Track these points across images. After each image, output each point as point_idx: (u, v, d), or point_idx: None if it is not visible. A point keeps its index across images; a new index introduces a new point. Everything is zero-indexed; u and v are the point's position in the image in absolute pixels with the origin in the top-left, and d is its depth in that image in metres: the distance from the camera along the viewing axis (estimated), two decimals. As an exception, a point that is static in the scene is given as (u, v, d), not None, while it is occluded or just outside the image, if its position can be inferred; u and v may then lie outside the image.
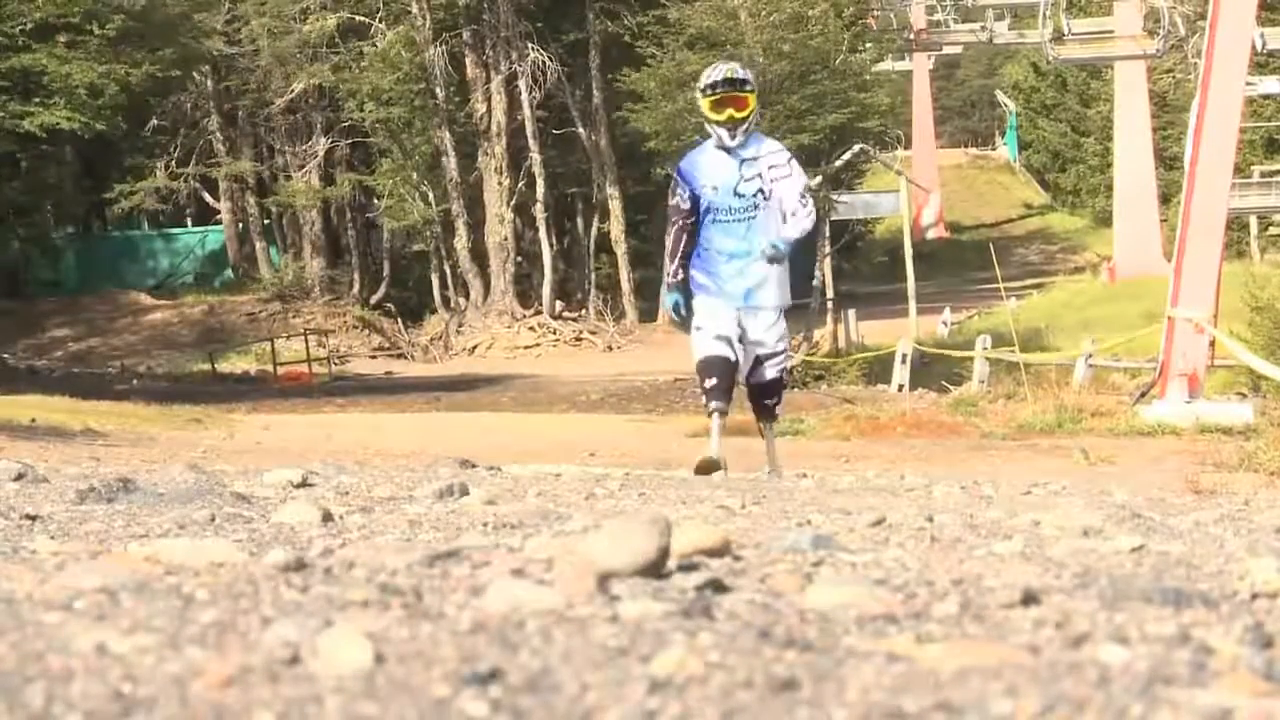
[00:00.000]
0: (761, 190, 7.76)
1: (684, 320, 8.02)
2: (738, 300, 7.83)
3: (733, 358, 7.77)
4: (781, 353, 8.05)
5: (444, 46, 37.24)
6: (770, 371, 7.98)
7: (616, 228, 38.56)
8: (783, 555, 1.99)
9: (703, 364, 7.83)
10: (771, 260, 7.74)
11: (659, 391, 25.26)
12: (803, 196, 7.81)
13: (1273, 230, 41.89)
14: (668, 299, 8.20)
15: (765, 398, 8.14)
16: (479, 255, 38.14)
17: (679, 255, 7.95)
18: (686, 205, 7.89)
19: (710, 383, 7.75)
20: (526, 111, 37.28)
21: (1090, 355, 18.96)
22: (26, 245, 36.79)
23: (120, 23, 26.49)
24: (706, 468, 7.23)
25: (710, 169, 7.87)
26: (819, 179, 30.01)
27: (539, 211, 38.04)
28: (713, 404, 7.74)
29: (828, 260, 34.28)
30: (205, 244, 44.21)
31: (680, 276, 7.99)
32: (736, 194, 7.76)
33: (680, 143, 25.96)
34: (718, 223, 7.82)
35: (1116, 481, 6.65)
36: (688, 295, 8.00)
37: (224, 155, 41.59)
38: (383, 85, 37.11)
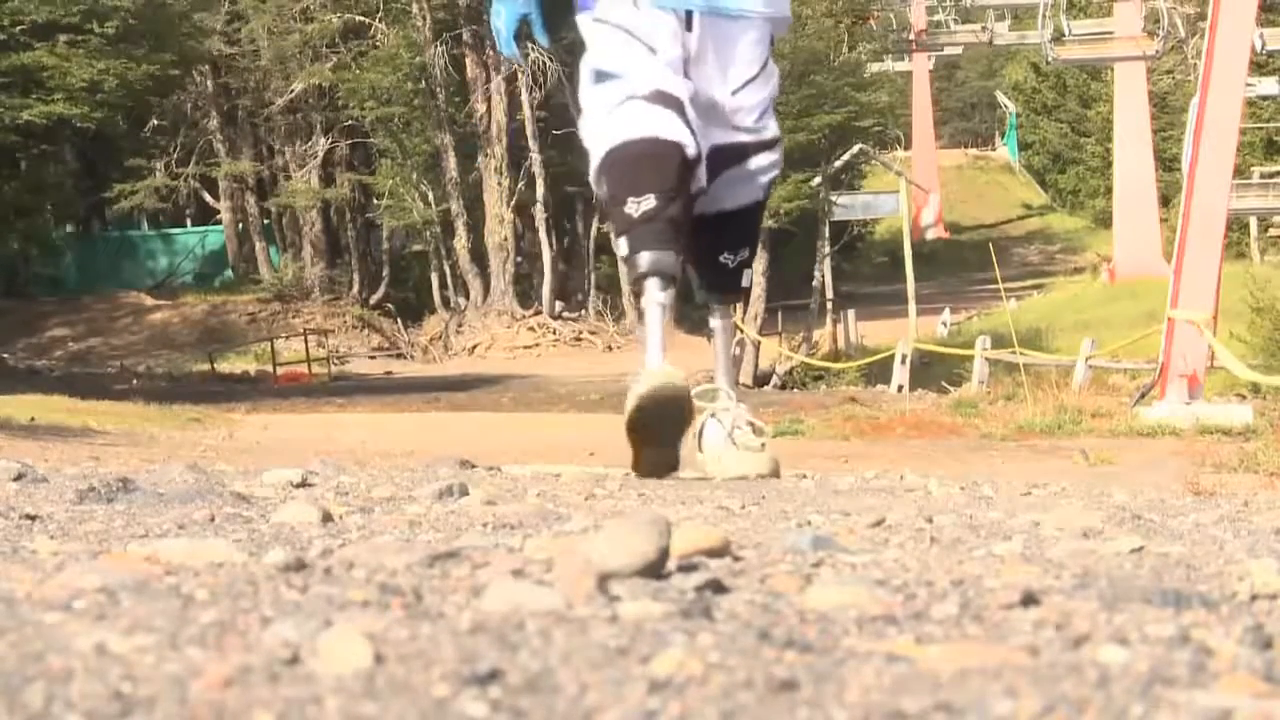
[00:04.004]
0: None
1: (541, 39, 4.13)
2: None
3: (691, 146, 3.78)
4: (770, 142, 4.11)
5: (444, 46, 37.26)
6: (746, 189, 4.05)
7: (616, 228, 38.59)
8: (783, 555, 1.98)
9: (622, 158, 3.75)
10: None
11: (659, 392, 25.22)
12: None
13: (1273, 231, 41.91)
14: (501, 6, 4.20)
15: (724, 246, 4.10)
16: (479, 255, 38.17)
17: None
18: None
19: (642, 205, 3.70)
20: (526, 112, 37.26)
21: (1090, 354, 18.99)
22: (26, 245, 36.78)
23: (120, 21, 26.55)
24: (655, 403, 3.80)
25: None
26: (819, 179, 30.04)
27: (539, 212, 38.05)
28: (645, 256, 3.77)
29: (827, 260, 34.27)
30: (205, 244, 44.22)
31: None
32: None
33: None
34: None
35: (1116, 482, 6.65)
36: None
37: (224, 155, 41.60)
38: (383, 85, 37.14)
